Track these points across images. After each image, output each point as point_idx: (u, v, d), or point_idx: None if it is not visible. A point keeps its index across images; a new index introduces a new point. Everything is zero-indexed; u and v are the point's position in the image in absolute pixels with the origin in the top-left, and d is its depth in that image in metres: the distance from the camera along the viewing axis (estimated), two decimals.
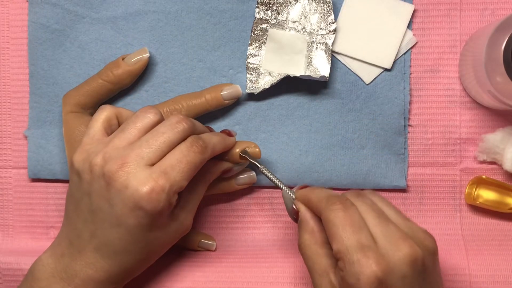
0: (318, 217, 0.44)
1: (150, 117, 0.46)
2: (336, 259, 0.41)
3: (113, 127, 0.48)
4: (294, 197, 0.47)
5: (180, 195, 0.47)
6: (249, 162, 0.51)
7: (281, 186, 0.48)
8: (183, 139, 0.46)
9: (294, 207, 0.46)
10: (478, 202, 0.53)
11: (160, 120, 0.46)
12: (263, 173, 0.50)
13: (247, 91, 0.53)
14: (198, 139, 0.46)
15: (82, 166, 0.45)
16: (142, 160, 0.44)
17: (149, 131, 0.46)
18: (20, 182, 0.56)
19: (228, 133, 0.51)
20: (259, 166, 0.50)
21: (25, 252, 0.54)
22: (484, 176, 0.53)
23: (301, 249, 0.44)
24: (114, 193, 0.43)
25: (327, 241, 0.43)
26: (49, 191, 0.56)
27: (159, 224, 0.45)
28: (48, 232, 0.56)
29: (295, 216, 0.46)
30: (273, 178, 0.49)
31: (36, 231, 0.56)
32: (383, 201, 0.45)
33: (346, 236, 0.40)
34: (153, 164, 0.44)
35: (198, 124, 0.49)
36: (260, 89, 0.53)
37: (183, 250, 0.54)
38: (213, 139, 0.48)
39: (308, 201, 0.45)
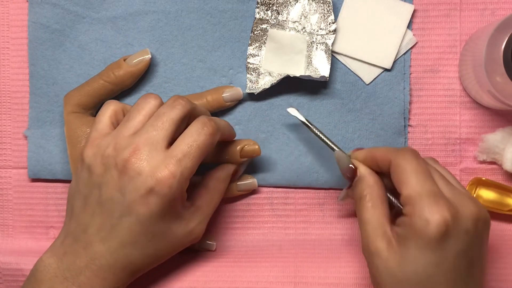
0: (377, 174, 0.46)
1: (151, 101, 0.46)
2: (402, 204, 0.42)
3: (120, 121, 0.48)
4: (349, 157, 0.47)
5: (194, 203, 0.48)
6: (252, 158, 0.52)
7: (334, 147, 0.48)
8: (185, 117, 0.46)
9: (351, 166, 0.46)
10: None
11: (161, 104, 0.47)
12: (314, 132, 0.49)
13: (247, 91, 0.53)
14: (208, 121, 0.46)
15: (93, 160, 0.45)
16: (152, 144, 0.44)
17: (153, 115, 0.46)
18: (20, 182, 0.56)
19: None
20: (309, 125, 0.50)
21: (25, 252, 0.54)
22: (483, 178, 0.53)
23: (358, 204, 0.45)
24: (126, 181, 0.43)
25: (385, 197, 0.45)
26: (49, 191, 0.56)
27: (168, 217, 0.45)
28: (48, 232, 0.56)
29: (350, 175, 0.46)
30: (324, 138, 0.49)
31: (36, 231, 0.56)
32: (444, 169, 0.46)
33: (419, 183, 0.42)
34: (163, 147, 0.44)
35: (199, 106, 0.49)
36: (260, 89, 0.53)
37: (183, 250, 0.54)
38: (221, 122, 0.48)
39: (371, 157, 0.46)
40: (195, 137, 0.45)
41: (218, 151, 0.51)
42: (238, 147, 0.51)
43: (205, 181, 0.50)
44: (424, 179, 0.42)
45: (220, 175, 0.50)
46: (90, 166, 0.45)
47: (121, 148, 0.44)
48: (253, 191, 0.55)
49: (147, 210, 0.44)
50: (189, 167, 0.44)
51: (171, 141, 0.45)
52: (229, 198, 0.55)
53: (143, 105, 0.46)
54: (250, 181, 0.54)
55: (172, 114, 0.45)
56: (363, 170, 0.46)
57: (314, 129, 0.49)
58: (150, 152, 0.44)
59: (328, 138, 0.49)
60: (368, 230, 0.43)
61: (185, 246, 0.49)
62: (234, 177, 0.53)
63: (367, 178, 0.45)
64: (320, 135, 0.49)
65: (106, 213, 0.44)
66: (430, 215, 0.40)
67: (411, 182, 0.42)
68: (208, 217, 0.49)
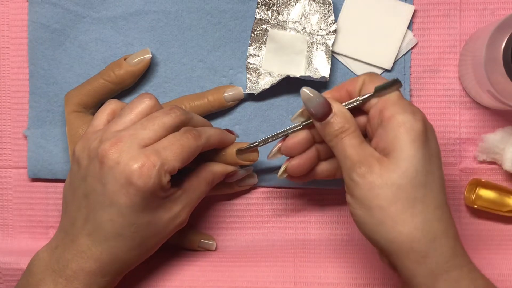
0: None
1: (146, 102, 0.46)
2: (381, 110, 0.43)
3: None
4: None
5: (180, 187, 0.47)
6: (250, 164, 0.52)
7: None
8: (178, 126, 0.46)
9: (327, 100, 0.44)
10: (476, 205, 0.52)
11: (156, 105, 0.47)
12: (264, 143, 0.49)
13: (247, 91, 0.53)
14: (191, 129, 0.46)
15: (81, 153, 0.45)
16: (136, 139, 0.44)
17: (146, 116, 0.46)
18: (20, 182, 0.56)
19: (229, 132, 0.51)
20: (257, 144, 0.50)
21: (25, 252, 0.54)
22: (483, 180, 0.53)
23: (339, 138, 0.43)
24: (106, 171, 0.43)
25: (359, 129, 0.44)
26: (49, 191, 0.56)
27: (151, 206, 0.45)
28: (48, 232, 0.56)
29: (324, 110, 0.44)
30: (277, 132, 0.48)
31: (36, 231, 0.56)
32: None
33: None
34: (146, 146, 0.44)
35: (197, 117, 0.49)
36: (260, 90, 0.53)
37: (183, 250, 0.54)
38: (209, 131, 0.48)
39: (341, 90, 0.46)
40: (178, 137, 0.45)
41: (217, 152, 0.51)
42: (235, 149, 0.51)
43: (198, 169, 0.49)
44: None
45: (212, 168, 0.50)
46: (78, 159, 0.46)
47: (105, 140, 0.44)
48: (253, 191, 0.55)
49: (128, 201, 0.43)
50: (170, 160, 0.44)
51: None
52: (229, 194, 0.55)
53: (137, 104, 0.46)
54: (250, 176, 0.54)
55: (165, 119, 0.45)
56: (339, 105, 0.44)
57: (265, 140, 0.49)
58: (131, 145, 0.43)
59: (283, 130, 0.48)
60: (354, 155, 0.42)
61: (171, 233, 0.48)
62: (231, 178, 0.52)
63: (345, 112, 0.44)
64: (276, 136, 0.48)
65: (90, 206, 0.44)
66: (416, 110, 0.42)
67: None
68: (193, 203, 0.48)
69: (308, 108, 0.44)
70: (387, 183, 0.40)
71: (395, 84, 0.43)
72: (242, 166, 0.52)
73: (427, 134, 0.41)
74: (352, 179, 0.42)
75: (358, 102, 0.44)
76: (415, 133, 0.41)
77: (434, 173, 0.42)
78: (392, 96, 0.43)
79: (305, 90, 0.44)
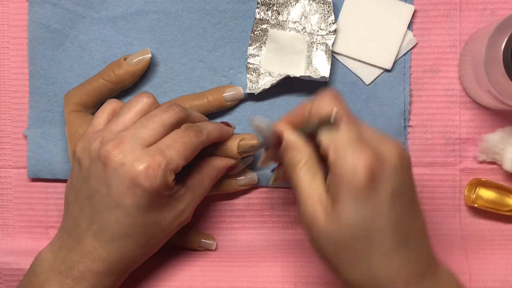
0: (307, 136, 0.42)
1: (144, 100, 0.46)
2: (325, 154, 0.40)
3: None
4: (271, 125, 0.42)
5: (183, 184, 0.47)
6: (251, 155, 0.52)
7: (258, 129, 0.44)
8: (177, 123, 0.46)
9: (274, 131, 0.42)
10: (476, 205, 0.52)
11: (154, 103, 0.47)
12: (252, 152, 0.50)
13: (247, 91, 0.53)
14: (192, 125, 0.47)
15: (82, 154, 0.45)
16: (138, 139, 0.44)
17: (145, 114, 0.46)
18: (20, 182, 0.56)
19: (227, 124, 0.51)
20: (246, 157, 0.51)
21: (25, 252, 0.54)
22: (483, 179, 0.53)
23: (291, 172, 0.41)
24: (110, 173, 0.43)
25: (318, 160, 0.41)
26: (49, 191, 0.56)
27: (156, 206, 0.45)
28: (48, 232, 0.56)
29: (274, 141, 0.42)
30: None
31: (36, 231, 0.56)
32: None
33: (341, 129, 0.40)
34: (148, 145, 0.44)
35: (195, 113, 0.49)
36: (260, 89, 0.53)
37: (183, 249, 0.54)
38: (209, 126, 0.48)
39: (295, 114, 0.43)
40: (180, 135, 0.45)
41: (218, 145, 0.51)
42: (236, 141, 0.51)
43: (200, 164, 0.49)
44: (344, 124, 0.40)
45: (215, 163, 0.50)
46: (79, 160, 0.46)
47: (106, 142, 0.44)
48: (253, 191, 0.55)
49: (134, 201, 0.43)
50: (174, 158, 0.44)
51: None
52: (230, 194, 0.55)
53: (135, 103, 0.46)
54: (250, 175, 0.54)
55: (164, 116, 0.45)
56: (289, 134, 0.41)
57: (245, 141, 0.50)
58: (134, 145, 0.44)
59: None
60: (304, 199, 0.40)
61: (175, 229, 0.48)
62: (233, 171, 0.52)
63: (295, 141, 0.41)
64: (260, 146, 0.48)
65: (94, 207, 0.44)
66: (362, 151, 0.38)
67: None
68: (197, 199, 0.49)
69: (259, 138, 0.44)
70: (330, 236, 0.39)
71: (331, 122, 0.39)
72: (242, 158, 0.52)
73: (373, 183, 0.38)
74: (303, 223, 0.41)
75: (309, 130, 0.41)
76: (356, 189, 0.38)
77: (382, 221, 0.39)
78: (337, 136, 0.39)
79: (255, 120, 0.42)
